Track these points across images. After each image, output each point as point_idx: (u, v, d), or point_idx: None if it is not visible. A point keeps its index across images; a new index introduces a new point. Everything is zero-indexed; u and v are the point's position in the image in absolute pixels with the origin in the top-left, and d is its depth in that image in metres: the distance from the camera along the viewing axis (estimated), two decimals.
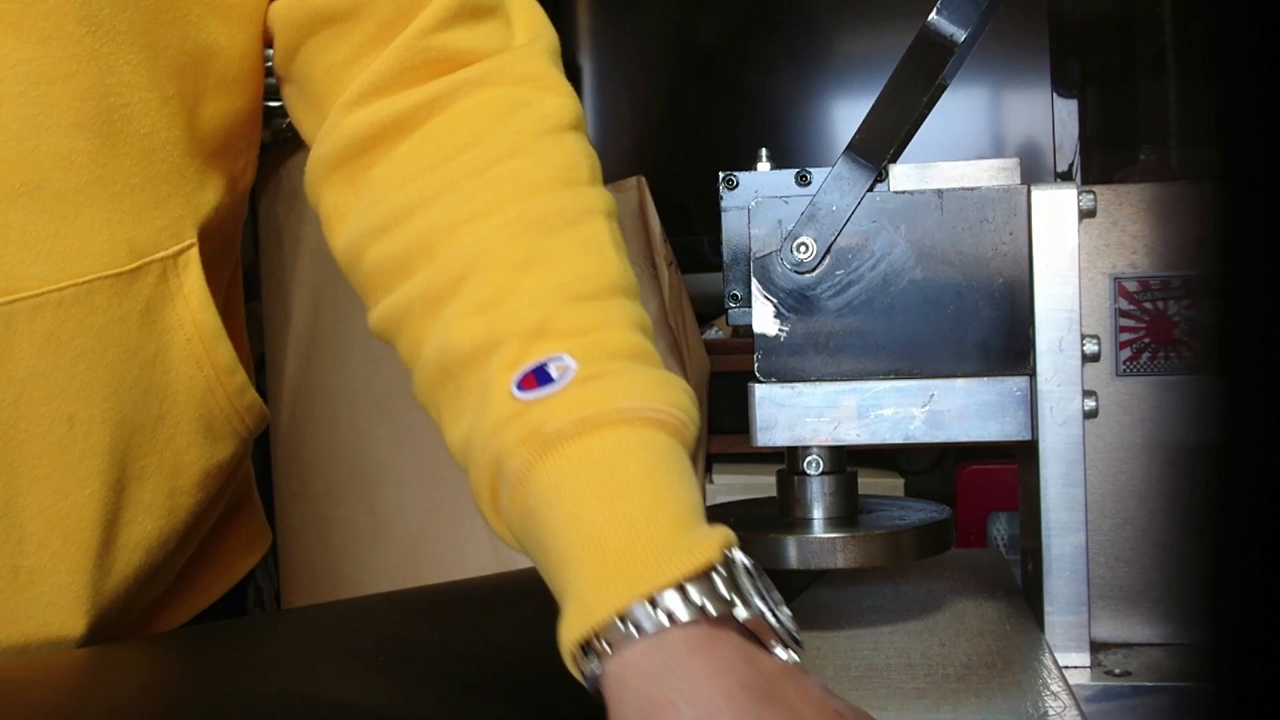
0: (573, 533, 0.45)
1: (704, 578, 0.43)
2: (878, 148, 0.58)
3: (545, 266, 0.52)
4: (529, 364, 0.49)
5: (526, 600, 0.59)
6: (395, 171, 0.58)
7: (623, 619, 0.42)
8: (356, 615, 0.69)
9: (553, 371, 0.49)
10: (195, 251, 0.61)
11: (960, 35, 0.57)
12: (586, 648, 0.43)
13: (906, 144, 0.61)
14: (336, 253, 0.61)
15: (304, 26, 0.60)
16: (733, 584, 0.43)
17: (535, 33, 0.60)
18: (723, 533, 0.44)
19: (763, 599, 0.44)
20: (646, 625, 0.42)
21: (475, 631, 0.63)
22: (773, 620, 0.43)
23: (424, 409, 0.56)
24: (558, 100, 0.58)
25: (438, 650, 0.60)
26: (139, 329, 0.60)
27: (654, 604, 0.42)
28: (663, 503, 0.45)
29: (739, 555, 0.44)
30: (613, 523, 0.45)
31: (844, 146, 0.59)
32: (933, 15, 0.57)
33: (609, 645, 0.42)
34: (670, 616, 0.42)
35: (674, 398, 0.49)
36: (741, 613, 0.43)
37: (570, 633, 0.43)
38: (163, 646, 0.64)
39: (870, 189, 0.59)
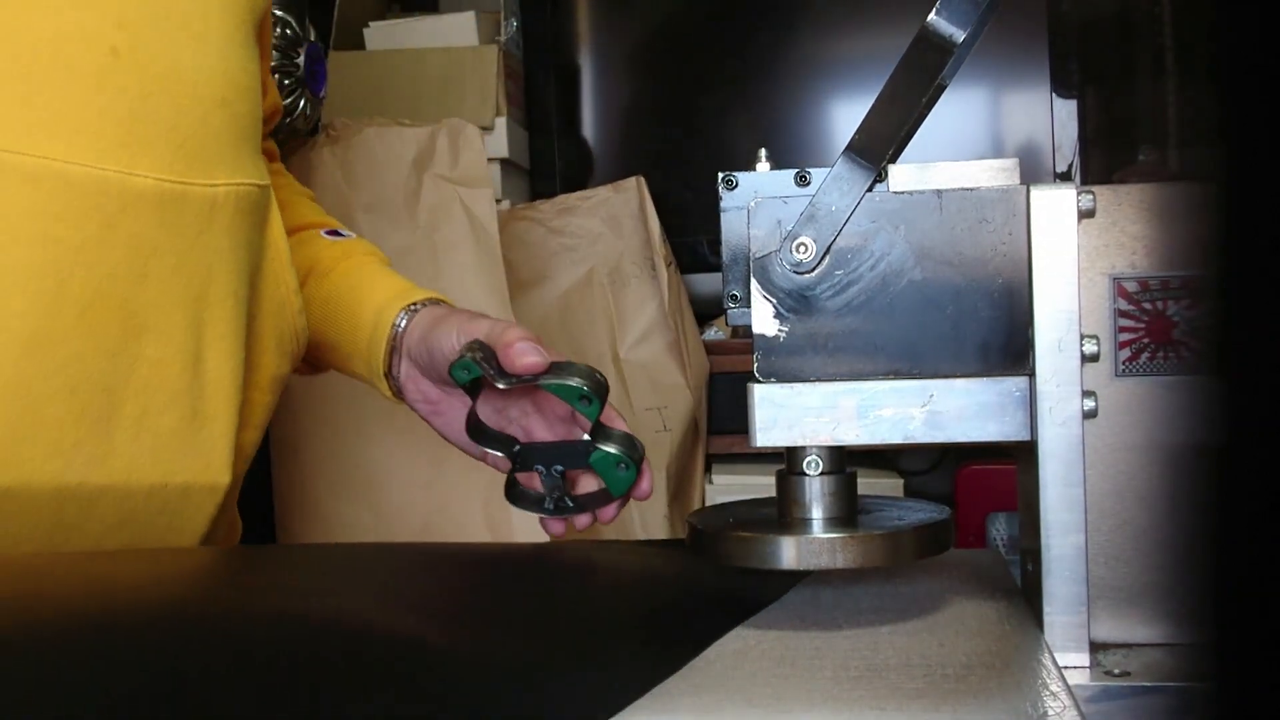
0: (373, 285, 0.87)
1: (435, 298, 0.86)
2: (877, 148, 0.58)
3: (311, 208, 0.94)
4: (329, 229, 0.91)
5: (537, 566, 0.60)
6: None
7: (422, 302, 0.85)
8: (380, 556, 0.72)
9: (343, 233, 0.92)
10: (273, 191, 0.79)
11: (959, 35, 0.57)
12: (396, 322, 0.83)
13: (906, 144, 0.61)
14: None
15: None
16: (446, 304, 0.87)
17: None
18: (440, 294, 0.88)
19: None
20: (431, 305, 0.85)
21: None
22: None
23: None
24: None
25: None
26: (260, 237, 0.77)
27: (421, 303, 0.85)
28: (404, 279, 0.88)
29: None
30: (393, 281, 0.87)
31: (843, 147, 0.58)
32: (932, 15, 0.57)
33: (416, 309, 0.84)
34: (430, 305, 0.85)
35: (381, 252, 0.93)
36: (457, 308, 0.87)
37: (390, 314, 0.84)
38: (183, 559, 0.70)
39: (869, 189, 0.59)
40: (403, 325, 0.83)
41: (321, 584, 0.63)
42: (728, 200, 0.63)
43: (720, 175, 0.63)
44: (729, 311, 0.63)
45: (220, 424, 0.73)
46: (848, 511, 0.61)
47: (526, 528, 1.35)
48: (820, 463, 0.60)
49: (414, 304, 0.83)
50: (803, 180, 0.62)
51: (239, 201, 0.73)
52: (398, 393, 0.86)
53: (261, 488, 1.51)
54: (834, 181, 0.58)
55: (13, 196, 0.64)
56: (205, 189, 0.71)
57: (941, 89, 0.60)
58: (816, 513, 0.61)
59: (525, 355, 0.73)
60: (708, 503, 1.69)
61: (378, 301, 0.84)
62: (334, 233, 0.91)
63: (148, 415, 0.70)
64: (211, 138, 0.71)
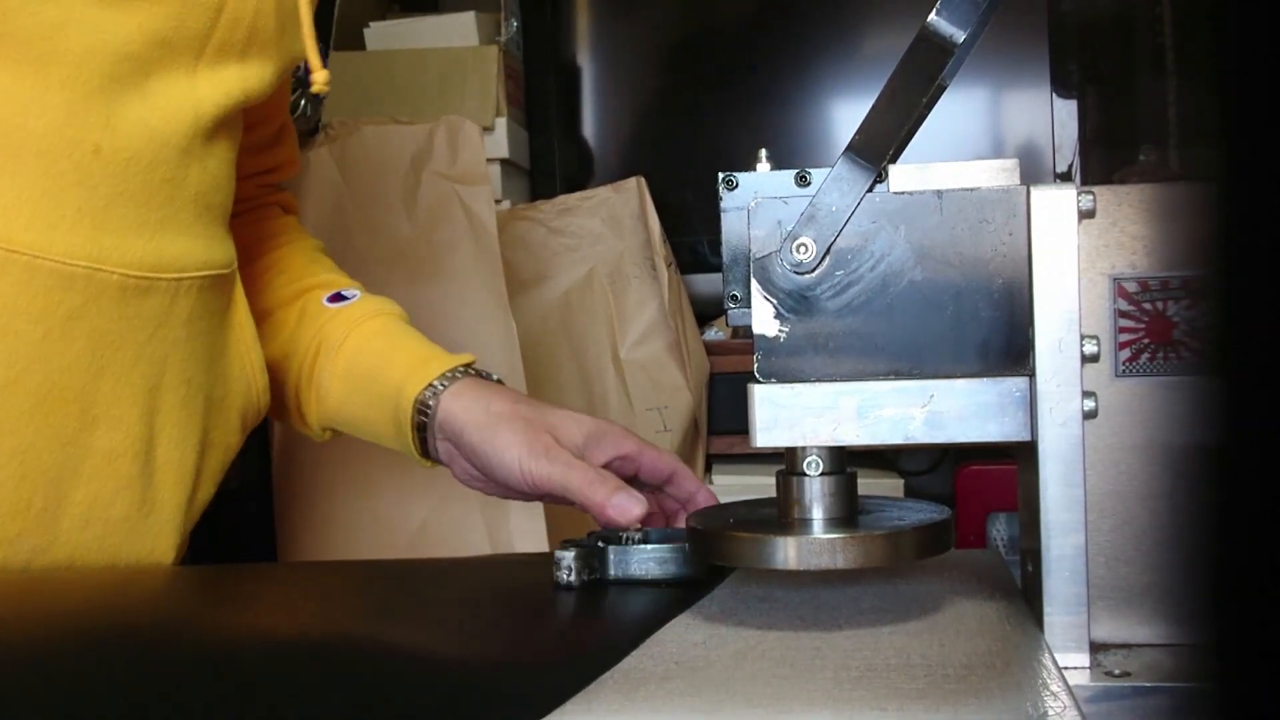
0: (392, 356, 0.84)
1: (469, 366, 0.84)
2: (877, 148, 0.58)
3: (324, 264, 0.93)
4: (331, 291, 0.89)
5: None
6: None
7: (444, 377, 0.82)
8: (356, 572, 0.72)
9: (346, 294, 0.89)
10: (238, 271, 0.81)
11: (960, 36, 0.57)
12: (422, 403, 0.81)
13: (906, 145, 0.61)
14: None
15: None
16: (481, 371, 0.84)
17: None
18: (471, 356, 0.85)
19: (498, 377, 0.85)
20: (455, 377, 0.82)
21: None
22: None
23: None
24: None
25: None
26: (221, 322, 0.79)
27: (452, 372, 0.83)
28: (429, 343, 0.86)
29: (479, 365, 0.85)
30: (415, 347, 0.84)
31: (844, 147, 0.58)
32: (932, 16, 0.57)
33: (439, 388, 0.81)
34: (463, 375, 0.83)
35: (400, 308, 0.90)
36: (493, 377, 0.84)
37: (413, 390, 0.81)
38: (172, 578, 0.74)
39: (870, 190, 0.59)
40: (433, 406, 0.80)
41: (270, 599, 0.65)
42: (728, 200, 0.63)
43: (720, 175, 0.63)
44: (729, 312, 0.63)
45: (168, 509, 0.74)
46: (848, 512, 0.61)
47: (525, 528, 1.35)
48: (820, 463, 0.60)
49: (437, 381, 0.81)
50: (803, 181, 0.62)
51: (201, 292, 0.75)
52: (441, 462, 0.84)
53: (261, 487, 1.51)
54: (834, 182, 0.58)
55: None
56: (170, 282, 0.72)
57: (942, 89, 0.60)
58: (817, 513, 0.61)
59: (625, 512, 0.73)
60: None
61: (396, 378, 0.82)
62: (338, 297, 0.88)
63: (96, 505, 0.70)
64: (184, 232, 0.73)
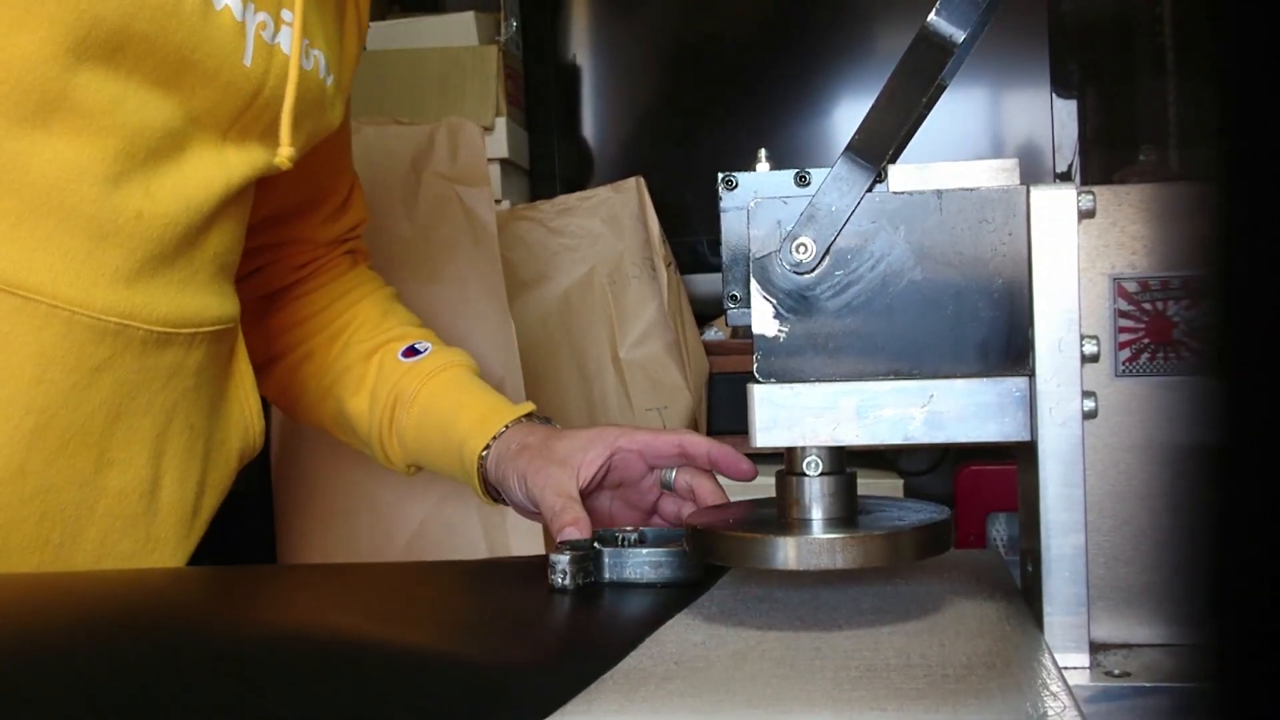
0: (459, 410, 0.91)
1: (531, 415, 0.91)
2: (877, 148, 0.58)
3: (398, 316, 1.01)
4: (405, 345, 0.97)
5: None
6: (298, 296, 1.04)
7: (502, 428, 0.88)
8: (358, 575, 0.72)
9: (419, 348, 0.97)
10: (239, 323, 0.86)
11: (960, 35, 0.57)
12: (483, 453, 0.88)
13: (906, 144, 0.61)
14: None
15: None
16: (544, 419, 0.91)
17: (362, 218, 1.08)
18: (532, 404, 0.92)
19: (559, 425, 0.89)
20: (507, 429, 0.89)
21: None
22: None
23: (310, 412, 1.03)
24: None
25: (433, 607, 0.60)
26: (224, 371, 0.84)
27: (514, 423, 0.89)
28: (495, 394, 0.94)
29: (542, 414, 0.93)
30: (479, 400, 0.92)
31: (843, 147, 0.58)
32: (932, 15, 0.57)
33: (492, 444, 0.88)
34: (519, 424, 0.90)
35: (471, 358, 0.98)
36: (554, 424, 0.90)
37: (478, 443, 0.88)
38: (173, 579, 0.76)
39: (869, 190, 0.59)
40: (486, 458, 0.88)
41: (269, 601, 0.66)
42: (728, 200, 0.63)
43: (720, 175, 0.63)
44: (729, 312, 0.63)
45: (170, 545, 0.79)
46: (848, 512, 0.61)
47: (521, 528, 1.35)
48: (820, 463, 0.60)
49: (495, 435, 0.88)
50: (803, 181, 0.62)
51: (210, 344, 0.80)
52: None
53: (261, 487, 1.51)
54: (834, 182, 0.58)
55: (22, 337, 0.69)
56: (187, 335, 0.77)
57: (942, 89, 0.60)
58: (816, 513, 0.61)
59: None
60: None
61: (460, 433, 0.90)
62: (411, 351, 0.96)
63: (107, 541, 0.75)
64: (202, 290, 0.78)
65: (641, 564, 0.68)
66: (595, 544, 0.69)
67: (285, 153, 0.81)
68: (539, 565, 0.69)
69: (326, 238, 1.02)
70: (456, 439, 0.89)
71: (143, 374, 0.75)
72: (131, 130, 0.72)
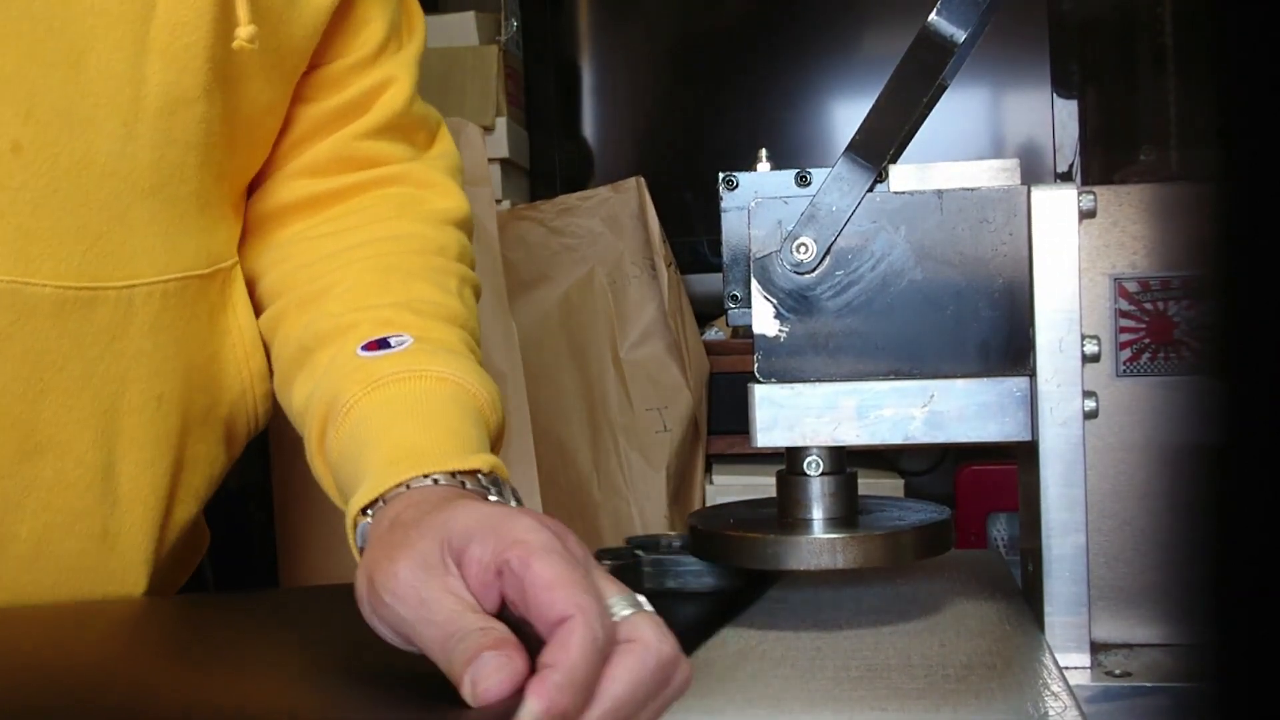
0: (381, 440, 0.57)
1: (472, 474, 0.53)
2: (878, 148, 0.58)
3: (399, 289, 0.67)
4: (374, 337, 0.63)
5: None
6: (301, 231, 0.73)
7: (403, 486, 0.53)
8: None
9: (392, 342, 0.63)
10: (239, 269, 0.71)
11: (960, 35, 0.57)
12: (367, 510, 0.54)
13: (907, 144, 0.61)
14: (245, 279, 0.73)
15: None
16: (494, 484, 0.53)
17: (443, 151, 0.76)
18: (495, 459, 0.55)
19: (516, 500, 0.53)
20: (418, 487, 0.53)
21: None
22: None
23: (277, 393, 0.71)
24: (449, 202, 0.74)
25: None
26: (207, 328, 0.69)
27: (427, 477, 0.53)
28: (456, 432, 0.57)
29: (505, 481, 0.55)
30: (415, 434, 0.56)
31: (844, 147, 0.58)
32: (933, 15, 0.57)
33: (385, 503, 0.52)
34: (435, 483, 0.53)
35: (489, 387, 0.61)
36: (493, 496, 0.52)
37: (360, 500, 0.54)
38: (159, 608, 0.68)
39: (870, 189, 0.59)
40: (368, 531, 0.53)
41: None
42: (728, 200, 0.63)
43: (721, 175, 0.63)
44: (729, 312, 0.63)
45: (135, 537, 0.66)
46: (848, 512, 0.61)
47: None
48: (821, 463, 0.60)
49: (383, 495, 0.54)
50: (803, 181, 0.62)
51: (166, 298, 0.65)
52: None
53: (261, 487, 1.51)
54: (834, 182, 0.58)
55: None
56: (121, 291, 0.63)
57: (942, 89, 0.60)
58: (817, 513, 0.61)
59: (489, 690, 0.41)
60: (708, 503, 1.69)
61: (358, 477, 0.57)
62: (378, 344, 0.63)
63: (45, 540, 0.63)
64: (135, 232, 0.63)
65: (684, 572, 0.64)
66: (635, 551, 0.66)
67: (244, 32, 0.63)
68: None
69: (329, 124, 0.73)
70: (351, 487, 0.57)
71: (64, 341, 0.61)
72: None
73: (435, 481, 0.52)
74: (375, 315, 0.65)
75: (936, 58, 0.57)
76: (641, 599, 0.44)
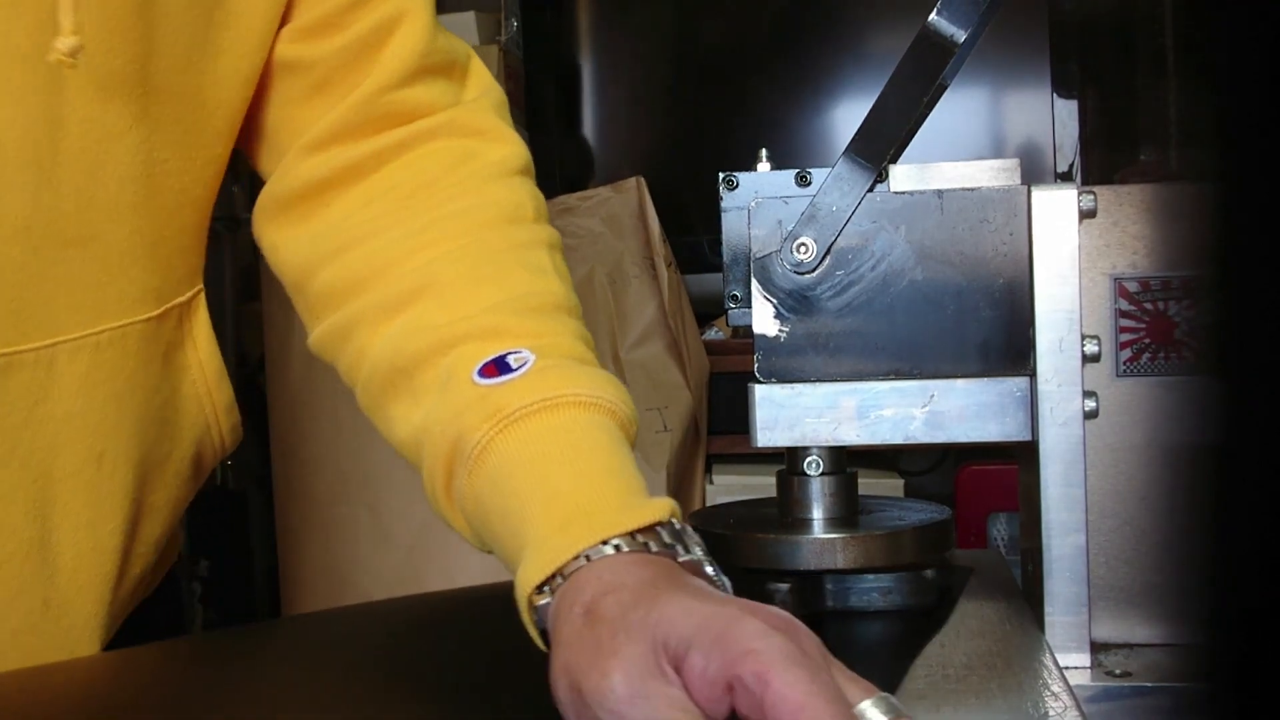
0: (536, 492, 0.49)
1: (651, 530, 0.46)
2: (878, 148, 0.58)
3: (495, 284, 0.58)
4: (489, 356, 0.54)
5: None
6: (349, 208, 0.63)
7: (581, 558, 0.45)
8: (360, 621, 0.69)
9: (512, 362, 0.54)
10: (202, 296, 0.66)
11: (960, 35, 0.57)
12: (543, 587, 0.46)
13: (907, 145, 0.61)
14: (285, 278, 0.66)
15: (266, 73, 0.64)
16: (676, 536, 0.47)
17: (484, 89, 0.67)
18: (670, 502, 0.48)
19: (703, 551, 0.47)
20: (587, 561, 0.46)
21: (476, 638, 0.63)
22: (709, 569, 0.46)
23: (368, 414, 0.62)
24: (505, 149, 0.65)
25: (438, 658, 0.60)
26: (159, 371, 0.63)
27: (607, 544, 0.45)
28: (616, 472, 0.50)
29: (682, 522, 0.48)
30: (574, 482, 0.49)
31: (844, 147, 0.59)
32: (933, 16, 0.57)
33: (564, 579, 0.45)
34: (618, 551, 0.45)
35: (622, 395, 0.54)
36: (682, 554, 0.46)
37: (534, 574, 0.46)
38: (169, 652, 0.65)
39: (870, 190, 0.59)
40: (548, 611, 0.46)
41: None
42: (728, 200, 0.63)
43: (721, 175, 0.63)
44: (729, 312, 0.63)
45: (84, 604, 0.61)
46: (848, 512, 0.61)
47: None
48: (821, 463, 0.60)
49: (560, 571, 0.46)
50: (803, 180, 0.62)
51: (97, 353, 0.59)
52: None
53: (261, 487, 1.51)
54: (835, 181, 0.58)
55: None
56: (40, 352, 0.58)
57: (943, 89, 0.60)
58: (817, 513, 0.61)
59: None
60: (708, 503, 1.69)
61: (519, 543, 0.49)
62: (499, 366, 0.54)
63: None
64: (56, 288, 0.58)
65: (869, 590, 0.60)
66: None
67: (65, 43, 0.54)
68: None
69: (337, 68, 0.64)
70: (513, 551, 0.49)
71: None
72: None
73: (617, 548, 0.45)
74: (479, 325, 0.56)
75: (936, 58, 0.57)
76: (891, 699, 0.40)
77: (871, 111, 0.58)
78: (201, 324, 0.66)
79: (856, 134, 0.58)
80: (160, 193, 0.61)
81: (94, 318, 0.59)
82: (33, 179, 0.55)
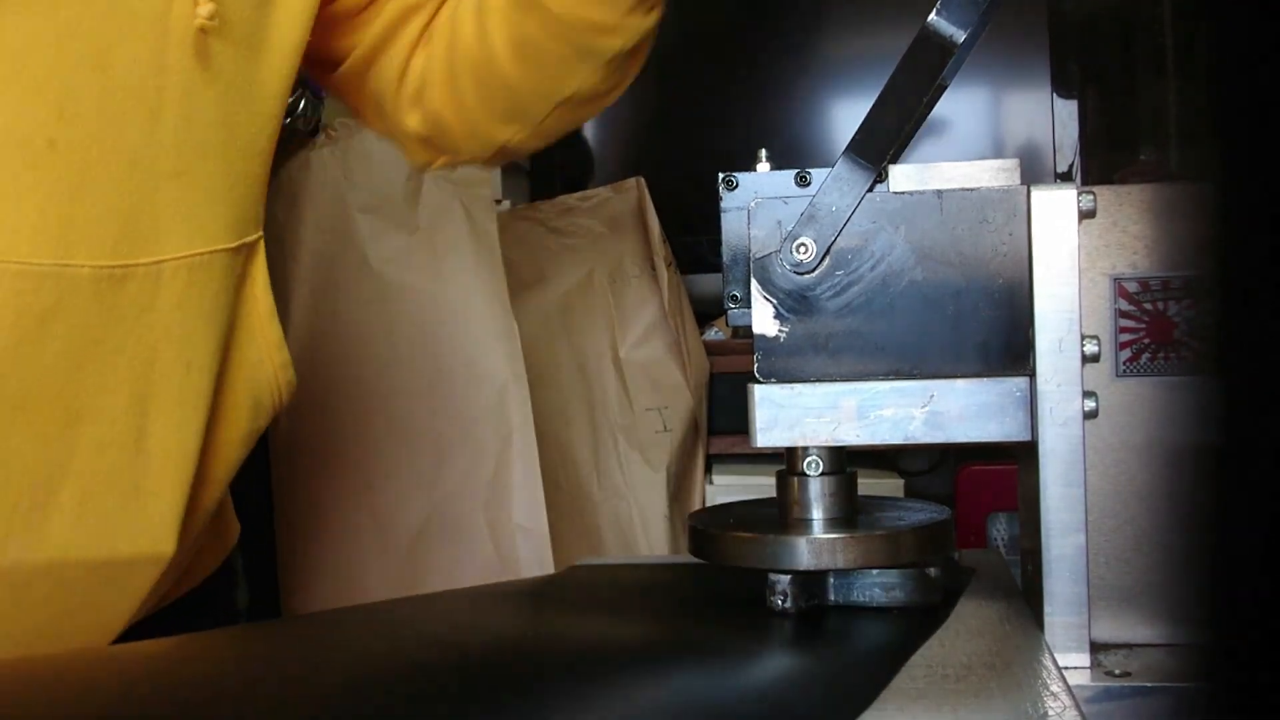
0: None
1: None
2: (877, 148, 0.58)
3: None
4: None
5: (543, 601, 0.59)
6: None
7: None
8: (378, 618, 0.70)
9: None
10: (263, 242, 0.76)
11: (960, 36, 0.57)
12: None
13: (906, 144, 0.61)
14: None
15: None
16: None
17: None
18: None
19: None
20: None
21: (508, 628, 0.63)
22: None
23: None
24: None
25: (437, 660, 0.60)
26: (233, 299, 0.74)
27: None
28: None
29: None
30: None
31: (843, 147, 0.58)
32: (932, 16, 0.57)
33: None
34: None
35: None
36: None
37: None
38: (199, 643, 0.68)
39: (870, 190, 0.59)
40: None
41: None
42: (728, 201, 0.63)
43: (720, 176, 0.63)
44: (729, 312, 0.63)
45: (166, 497, 0.70)
46: (848, 512, 0.61)
47: (528, 527, 1.35)
48: (820, 463, 0.60)
49: None
50: (803, 181, 0.62)
51: (192, 273, 0.70)
52: None
53: (261, 487, 1.51)
54: (834, 182, 0.58)
55: None
56: (149, 267, 0.68)
57: (942, 89, 0.60)
58: (817, 513, 0.61)
59: None
60: (708, 503, 1.69)
61: None
62: None
63: (88, 499, 0.68)
64: (161, 213, 0.68)
65: (872, 586, 0.61)
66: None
67: (204, 10, 0.67)
68: (750, 581, 0.61)
69: None
70: None
71: (101, 316, 0.66)
72: (17, 48, 0.61)
73: None
74: None
75: (936, 58, 0.57)
76: None
77: (871, 112, 0.58)
78: (260, 265, 0.77)
79: (856, 134, 0.58)
80: (235, 140, 0.72)
81: (189, 242, 0.69)
82: (145, 116, 0.66)
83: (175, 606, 0.77)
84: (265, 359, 0.77)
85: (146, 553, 0.70)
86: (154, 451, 0.70)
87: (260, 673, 0.58)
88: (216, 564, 0.82)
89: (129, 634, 0.71)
